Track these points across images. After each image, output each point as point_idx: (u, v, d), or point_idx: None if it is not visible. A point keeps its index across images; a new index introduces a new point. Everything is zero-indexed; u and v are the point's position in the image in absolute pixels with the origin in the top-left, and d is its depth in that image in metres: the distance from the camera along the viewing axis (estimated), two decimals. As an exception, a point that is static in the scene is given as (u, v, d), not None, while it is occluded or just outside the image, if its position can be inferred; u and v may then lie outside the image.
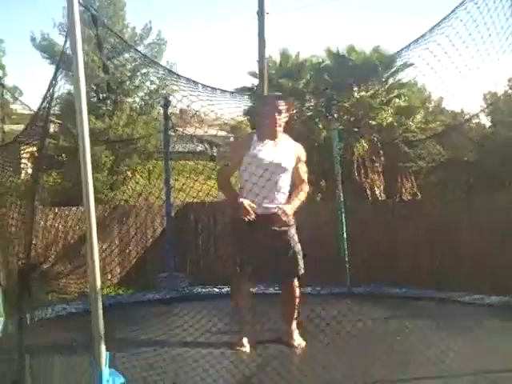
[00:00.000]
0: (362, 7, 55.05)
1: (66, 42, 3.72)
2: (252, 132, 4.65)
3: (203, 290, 8.16)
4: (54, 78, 4.30)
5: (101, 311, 3.56)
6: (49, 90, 4.48)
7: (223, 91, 6.55)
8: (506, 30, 4.57)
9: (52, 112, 5.54)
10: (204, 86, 6.30)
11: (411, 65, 7.23)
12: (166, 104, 8.79)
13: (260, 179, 4.41)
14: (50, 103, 4.61)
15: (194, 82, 6.32)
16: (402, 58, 6.66)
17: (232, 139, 4.52)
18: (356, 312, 6.48)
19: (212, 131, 6.09)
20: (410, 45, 5.54)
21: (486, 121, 16.46)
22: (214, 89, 6.59)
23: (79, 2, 3.26)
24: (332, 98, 8.73)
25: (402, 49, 5.94)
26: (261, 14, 14.00)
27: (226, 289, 7.06)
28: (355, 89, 14.16)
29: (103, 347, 3.57)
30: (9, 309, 5.58)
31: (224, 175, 4.75)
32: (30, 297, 5.45)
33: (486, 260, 8.39)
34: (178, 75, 6.76)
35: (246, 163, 4.45)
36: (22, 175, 8.20)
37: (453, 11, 4.64)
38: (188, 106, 5.92)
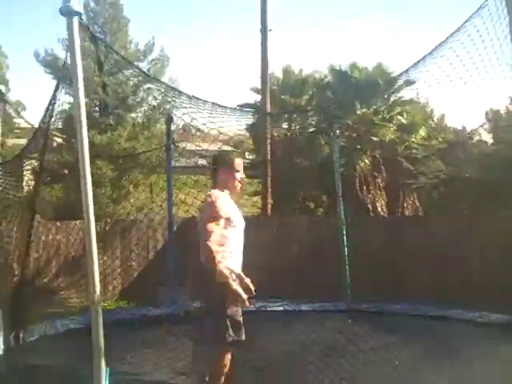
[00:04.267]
0: (365, 23, 55.31)
1: (65, 59, 3.76)
2: (215, 188, 4.34)
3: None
4: (54, 95, 4.34)
5: (101, 326, 3.57)
6: (49, 105, 4.52)
7: (223, 107, 6.58)
8: (504, 50, 4.65)
9: (56, 126, 5.61)
10: (205, 101, 6.34)
11: (413, 83, 7.26)
12: (169, 120, 8.87)
13: (240, 239, 4.33)
14: (49, 119, 4.64)
15: (195, 98, 6.37)
16: (405, 78, 6.73)
17: (212, 198, 3.90)
18: (355, 330, 6.49)
19: (215, 146, 6.10)
20: (410, 68, 5.61)
21: (487, 138, 16.45)
22: (214, 104, 6.64)
23: (80, 22, 3.31)
24: (334, 114, 8.79)
25: (403, 71, 6.01)
26: (263, 30, 14.08)
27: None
28: (357, 106, 14.21)
29: (103, 362, 3.58)
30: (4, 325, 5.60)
31: (219, 246, 4.02)
32: (25, 313, 5.47)
33: (488, 276, 8.35)
34: (179, 91, 6.82)
35: (232, 223, 4.16)
36: (25, 189, 8.24)
37: (452, 34, 4.72)
38: (191, 121, 5.96)
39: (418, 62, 5.59)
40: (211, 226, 3.96)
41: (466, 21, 4.84)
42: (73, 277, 8.14)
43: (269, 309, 7.99)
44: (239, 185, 4.39)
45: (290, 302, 8.56)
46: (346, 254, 8.75)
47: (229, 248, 4.12)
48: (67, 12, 3.33)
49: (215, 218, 3.99)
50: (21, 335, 5.98)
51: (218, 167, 4.36)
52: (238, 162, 4.39)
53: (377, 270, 8.72)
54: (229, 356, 4.13)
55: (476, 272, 8.67)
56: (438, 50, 5.25)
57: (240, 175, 4.37)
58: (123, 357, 5.67)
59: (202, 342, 4.18)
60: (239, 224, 4.23)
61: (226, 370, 4.14)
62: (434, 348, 5.77)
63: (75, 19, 3.34)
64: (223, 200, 4.14)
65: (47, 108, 4.60)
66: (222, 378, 4.13)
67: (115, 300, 9.88)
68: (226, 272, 3.89)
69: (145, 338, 6.62)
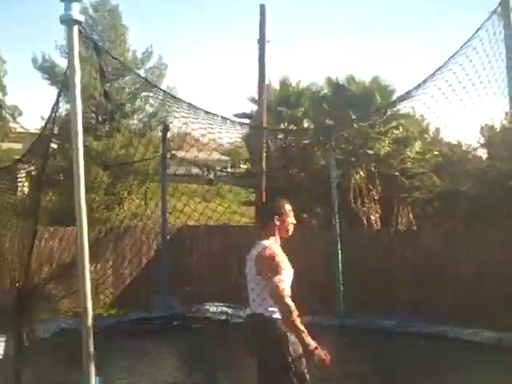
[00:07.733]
0: (363, 36, 55.63)
1: (67, 69, 3.78)
2: (268, 237, 4.32)
3: (195, 310, 8.16)
4: (57, 103, 4.35)
5: (91, 335, 3.55)
6: (52, 113, 4.52)
7: (224, 118, 6.59)
8: (502, 72, 4.75)
9: (53, 132, 5.62)
10: (206, 112, 6.35)
11: (410, 97, 7.29)
12: (165, 129, 8.89)
13: (288, 289, 4.25)
14: (52, 126, 4.65)
15: (195, 107, 6.38)
16: (404, 100, 6.80)
17: (272, 252, 3.86)
18: (348, 346, 6.47)
19: (213, 156, 6.13)
20: (411, 90, 5.68)
21: (482, 153, 16.50)
22: (213, 114, 6.66)
23: (80, 32, 3.32)
24: (331, 127, 8.84)
25: (403, 94, 6.09)
26: (261, 41, 14.10)
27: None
28: (353, 117, 14.23)
29: (93, 370, 3.56)
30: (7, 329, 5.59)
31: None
32: (28, 317, 5.45)
33: (480, 293, 8.29)
34: (179, 99, 6.83)
35: (286, 275, 4.04)
36: (19, 194, 8.23)
37: (451, 56, 4.81)
38: (187, 130, 5.97)
39: (419, 85, 5.67)
40: (277, 280, 3.87)
41: (465, 43, 4.92)
42: (67, 283, 8.10)
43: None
44: (291, 229, 4.38)
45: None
46: (340, 266, 8.75)
47: None
48: (67, 20, 3.35)
49: (278, 272, 3.90)
50: (24, 337, 5.98)
51: (270, 215, 4.31)
52: (289, 208, 4.39)
53: (370, 284, 8.68)
54: None
55: (468, 288, 8.62)
56: (439, 71, 5.32)
57: (291, 220, 4.37)
58: (114, 365, 5.65)
59: None
60: (290, 275, 4.21)
61: None
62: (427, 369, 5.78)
63: (75, 28, 3.35)
64: (280, 253, 4.08)
65: (50, 116, 4.60)
66: None
67: (107, 307, 9.83)
68: (302, 327, 3.74)
69: (135, 347, 6.60)
